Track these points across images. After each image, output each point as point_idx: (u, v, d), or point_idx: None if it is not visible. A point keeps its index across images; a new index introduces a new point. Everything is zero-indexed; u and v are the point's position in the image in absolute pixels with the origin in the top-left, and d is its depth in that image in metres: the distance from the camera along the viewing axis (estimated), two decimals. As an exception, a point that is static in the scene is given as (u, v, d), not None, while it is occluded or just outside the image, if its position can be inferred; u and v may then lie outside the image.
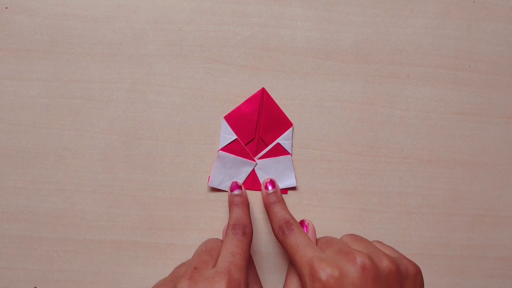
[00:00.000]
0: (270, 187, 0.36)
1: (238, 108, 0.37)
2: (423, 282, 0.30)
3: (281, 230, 0.33)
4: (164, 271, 0.37)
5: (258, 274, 0.38)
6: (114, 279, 0.37)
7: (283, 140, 0.37)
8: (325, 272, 0.28)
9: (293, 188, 0.38)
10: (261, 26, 0.38)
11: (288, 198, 0.38)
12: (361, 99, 0.38)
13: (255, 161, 0.37)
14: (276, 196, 0.36)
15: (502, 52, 0.39)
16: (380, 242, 0.33)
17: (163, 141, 0.37)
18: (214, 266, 0.30)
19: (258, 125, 0.37)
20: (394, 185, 0.39)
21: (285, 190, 0.38)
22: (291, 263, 0.32)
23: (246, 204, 0.36)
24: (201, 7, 0.37)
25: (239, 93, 0.38)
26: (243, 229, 0.33)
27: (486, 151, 0.39)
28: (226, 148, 0.37)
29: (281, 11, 0.38)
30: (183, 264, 0.33)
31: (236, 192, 0.36)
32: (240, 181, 0.37)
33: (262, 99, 0.37)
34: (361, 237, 0.33)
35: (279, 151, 0.37)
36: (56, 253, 0.37)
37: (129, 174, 0.37)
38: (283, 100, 0.38)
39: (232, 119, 0.37)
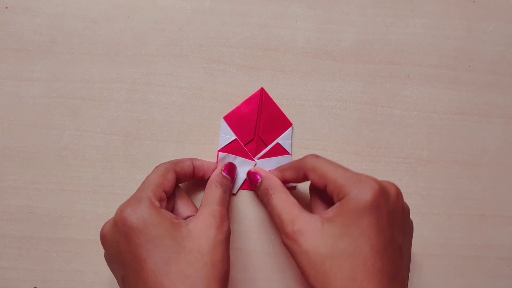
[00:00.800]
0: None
1: (237, 108, 0.37)
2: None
3: (309, 155, 0.32)
4: (164, 271, 0.37)
5: (258, 274, 0.38)
6: (114, 279, 0.37)
7: (283, 140, 0.37)
8: (375, 183, 0.28)
9: (293, 188, 0.38)
10: (261, 26, 0.38)
11: (288, 198, 0.38)
12: (361, 99, 0.38)
13: (254, 160, 0.37)
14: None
15: (502, 52, 0.39)
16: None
17: (163, 141, 0.37)
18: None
19: (258, 125, 0.37)
20: (394, 185, 0.39)
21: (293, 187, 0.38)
22: (326, 177, 0.30)
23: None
24: (201, 7, 0.37)
25: (239, 93, 0.38)
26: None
27: (486, 151, 0.39)
28: (226, 148, 0.37)
29: (281, 11, 0.38)
30: None
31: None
32: (241, 181, 0.37)
33: (261, 99, 0.37)
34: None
35: (279, 151, 0.37)
36: (56, 253, 0.37)
37: (129, 174, 0.37)
38: (283, 100, 0.38)
39: (232, 119, 0.37)
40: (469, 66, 0.39)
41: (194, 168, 0.35)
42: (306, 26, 0.38)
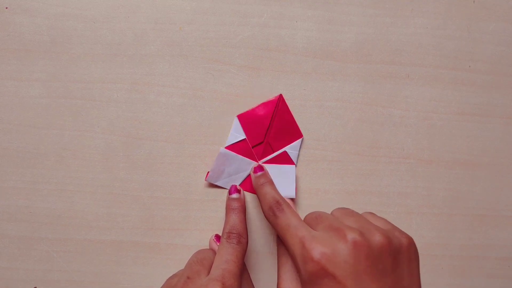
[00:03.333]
0: (258, 170, 0.36)
1: (253, 109, 0.37)
2: (417, 253, 0.29)
3: (271, 211, 0.32)
4: (164, 271, 0.37)
5: (257, 274, 0.38)
6: (114, 279, 0.37)
7: (291, 149, 0.37)
8: (316, 251, 0.27)
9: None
10: (261, 26, 0.38)
11: (289, 199, 0.38)
12: (361, 99, 0.38)
13: (257, 161, 0.37)
14: (265, 178, 0.36)
15: (502, 52, 0.39)
16: (372, 213, 0.32)
17: (163, 141, 0.37)
18: (206, 275, 0.30)
19: (269, 130, 0.37)
20: (394, 185, 0.39)
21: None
22: (283, 243, 0.32)
23: (243, 210, 0.35)
24: (201, 7, 0.37)
25: (239, 93, 0.38)
26: (238, 238, 0.33)
27: (486, 151, 0.39)
28: (233, 147, 0.37)
29: (281, 11, 0.38)
30: (175, 275, 0.33)
31: (234, 196, 0.36)
32: (239, 180, 0.37)
33: (278, 105, 0.37)
34: (352, 211, 0.32)
35: (285, 159, 0.37)
36: (56, 253, 0.37)
37: (129, 174, 0.37)
38: (283, 100, 0.38)
39: (245, 119, 0.37)
40: (469, 66, 0.39)
41: None
42: (306, 26, 0.38)
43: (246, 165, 0.37)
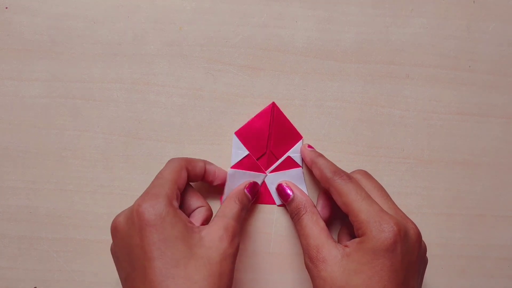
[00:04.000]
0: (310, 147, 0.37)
1: (249, 123, 0.37)
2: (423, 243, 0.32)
3: (339, 174, 0.32)
4: (164, 271, 0.37)
5: (257, 274, 0.38)
6: (114, 279, 0.37)
7: (293, 153, 0.37)
8: (397, 225, 0.29)
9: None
10: (261, 26, 0.38)
11: (288, 198, 0.38)
12: (361, 99, 0.38)
13: (265, 173, 0.37)
14: (318, 153, 0.36)
15: (502, 52, 0.39)
16: (368, 176, 0.35)
17: (163, 141, 0.37)
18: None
19: (269, 140, 0.37)
20: (394, 185, 0.39)
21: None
22: (351, 208, 0.31)
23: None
24: (201, 7, 0.37)
25: (239, 93, 0.38)
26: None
27: (486, 151, 0.39)
28: (239, 165, 0.36)
29: (281, 11, 0.38)
30: None
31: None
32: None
33: (273, 114, 0.37)
34: (377, 185, 0.34)
35: (290, 164, 0.37)
36: (56, 253, 0.37)
37: (129, 174, 0.37)
38: (283, 100, 0.38)
39: (243, 134, 0.37)
40: (469, 66, 0.39)
41: (205, 171, 0.35)
42: (306, 26, 0.38)
43: (256, 178, 0.37)
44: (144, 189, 0.37)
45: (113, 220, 0.31)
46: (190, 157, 0.36)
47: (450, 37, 0.39)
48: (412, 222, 0.31)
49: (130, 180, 0.37)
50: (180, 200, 0.32)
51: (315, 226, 0.32)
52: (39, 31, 0.37)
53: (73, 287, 0.37)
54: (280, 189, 0.36)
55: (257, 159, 0.37)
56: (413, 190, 0.39)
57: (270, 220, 0.38)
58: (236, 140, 0.37)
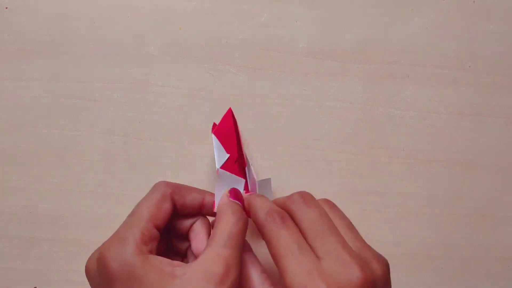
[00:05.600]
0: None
1: (220, 125, 0.33)
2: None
3: (271, 218, 0.27)
4: (164, 271, 0.37)
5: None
6: (114, 279, 0.37)
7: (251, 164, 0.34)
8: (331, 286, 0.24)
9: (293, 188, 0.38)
10: (261, 26, 0.38)
11: (288, 198, 0.38)
12: (361, 99, 0.38)
13: (244, 178, 0.33)
14: (252, 193, 0.31)
15: (502, 52, 0.39)
16: (331, 205, 0.29)
17: (163, 141, 0.37)
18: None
19: (238, 145, 0.34)
20: (394, 185, 0.39)
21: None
22: (277, 264, 0.26)
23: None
24: (201, 7, 0.37)
25: (239, 93, 0.38)
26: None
27: (486, 151, 0.39)
28: (225, 167, 0.33)
29: (281, 11, 0.38)
30: None
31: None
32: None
33: (233, 117, 0.34)
34: (341, 214, 0.29)
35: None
36: (56, 253, 0.37)
37: (129, 174, 0.37)
38: (283, 100, 0.38)
39: (220, 133, 0.33)
40: (469, 66, 0.39)
41: (203, 204, 0.30)
42: (306, 26, 0.38)
43: (238, 186, 0.33)
44: (143, 189, 0.37)
45: (86, 262, 0.27)
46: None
47: (450, 37, 0.39)
48: (378, 261, 0.25)
49: (130, 180, 0.37)
50: (170, 225, 0.29)
51: (253, 269, 0.28)
52: (39, 31, 0.37)
53: (73, 287, 0.37)
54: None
55: (234, 162, 0.33)
56: (413, 190, 0.39)
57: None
58: (216, 141, 0.33)
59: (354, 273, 0.24)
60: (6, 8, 0.37)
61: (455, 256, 0.39)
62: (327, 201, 0.30)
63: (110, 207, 0.37)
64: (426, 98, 0.39)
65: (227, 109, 0.38)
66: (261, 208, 0.28)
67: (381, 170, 0.38)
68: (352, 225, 0.28)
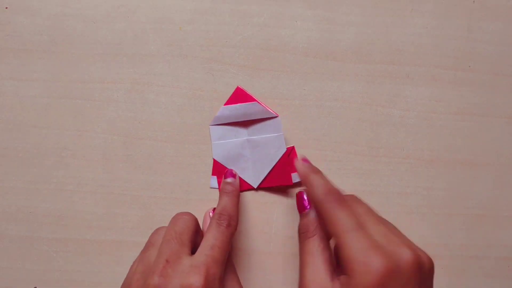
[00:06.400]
0: (305, 161, 0.34)
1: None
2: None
3: (330, 198, 0.30)
4: (164, 271, 0.37)
5: (257, 274, 0.38)
6: (114, 279, 0.37)
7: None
8: (382, 264, 0.26)
9: (293, 186, 0.38)
10: (261, 26, 0.38)
11: (288, 198, 0.38)
12: (361, 99, 0.38)
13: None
14: (314, 167, 0.34)
15: (502, 52, 0.39)
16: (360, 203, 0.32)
17: (163, 141, 0.37)
18: (187, 254, 0.29)
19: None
20: (394, 185, 0.39)
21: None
22: (337, 239, 0.29)
23: (237, 194, 0.35)
24: (201, 7, 0.37)
25: (239, 93, 0.38)
26: (228, 220, 0.32)
27: (486, 151, 0.39)
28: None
29: (281, 11, 0.38)
30: (148, 252, 0.31)
31: (228, 180, 0.36)
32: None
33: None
34: (381, 217, 0.32)
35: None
36: (56, 253, 0.37)
37: (129, 174, 0.37)
38: (283, 100, 0.38)
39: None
40: (469, 66, 0.39)
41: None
42: (306, 26, 0.38)
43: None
44: (143, 189, 0.37)
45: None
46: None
47: (450, 37, 0.39)
48: (425, 254, 0.28)
49: (130, 180, 0.37)
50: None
51: (317, 257, 0.30)
52: (39, 31, 0.37)
53: (73, 287, 0.37)
54: (298, 198, 0.34)
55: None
56: (413, 190, 0.39)
57: (270, 220, 0.38)
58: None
59: (405, 253, 0.27)
60: (6, 8, 0.37)
61: (454, 255, 0.39)
62: (352, 197, 0.33)
63: (110, 207, 0.37)
64: (426, 98, 0.39)
65: (227, 109, 0.38)
66: (319, 186, 0.31)
67: (381, 170, 0.38)
68: (380, 219, 0.31)
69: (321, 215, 0.31)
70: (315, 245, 0.31)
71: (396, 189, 0.39)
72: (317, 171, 0.33)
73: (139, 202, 0.37)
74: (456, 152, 0.39)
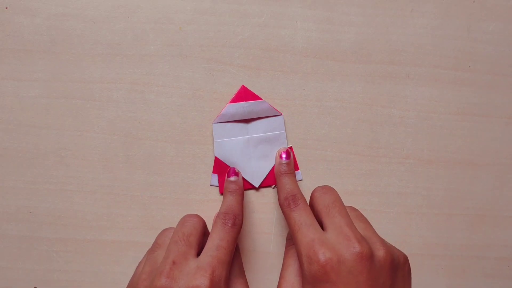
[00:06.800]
0: (284, 157, 0.36)
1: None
2: (410, 270, 0.31)
3: (287, 202, 0.32)
4: (164, 271, 0.37)
5: (257, 274, 0.38)
6: (114, 279, 0.37)
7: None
8: (323, 255, 0.28)
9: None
10: (261, 26, 0.38)
11: (288, 198, 0.38)
12: (361, 99, 0.38)
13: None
14: (288, 168, 0.35)
15: (502, 52, 0.39)
16: (355, 210, 0.33)
17: (163, 141, 0.37)
18: (194, 255, 0.30)
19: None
20: (394, 185, 0.39)
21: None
22: (292, 239, 0.31)
23: (240, 193, 0.35)
24: (201, 7, 0.37)
25: (239, 93, 0.38)
26: (233, 219, 0.32)
27: (486, 151, 0.39)
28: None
29: (281, 11, 0.38)
30: (155, 252, 0.31)
31: (232, 178, 0.35)
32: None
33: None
34: (361, 214, 0.33)
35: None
36: (56, 253, 0.37)
37: (129, 174, 0.37)
38: (283, 100, 0.38)
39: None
40: (469, 66, 0.39)
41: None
42: (306, 26, 0.38)
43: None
44: (143, 189, 0.37)
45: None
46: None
47: (450, 37, 0.39)
48: (383, 246, 0.29)
49: (130, 180, 0.37)
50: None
51: (296, 261, 0.32)
52: (39, 31, 0.37)
53: (73, 287, 0.37)
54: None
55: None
56: (413, 190, 0.39)
57: (270, 220, 0.38)
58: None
59: (353, 246, 0.28)
60: (6, 8, 0.37)
61: (454, 256, 0.39)
62: (351, 207, 0.34)
63: (110, 207, 0.37)
64: (426, 98, 0.39)
65: (227, 109, 0.38)
66: (281, 191, 0.34)
67: (381, 170, 0.38)
68: (369, 223, 0.32)
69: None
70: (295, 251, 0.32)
71: (396, 189, 0.39)
72: (287, 172, 0.35)
73: (139, 202, 0.37)
74: (456, 152, 0.39)
